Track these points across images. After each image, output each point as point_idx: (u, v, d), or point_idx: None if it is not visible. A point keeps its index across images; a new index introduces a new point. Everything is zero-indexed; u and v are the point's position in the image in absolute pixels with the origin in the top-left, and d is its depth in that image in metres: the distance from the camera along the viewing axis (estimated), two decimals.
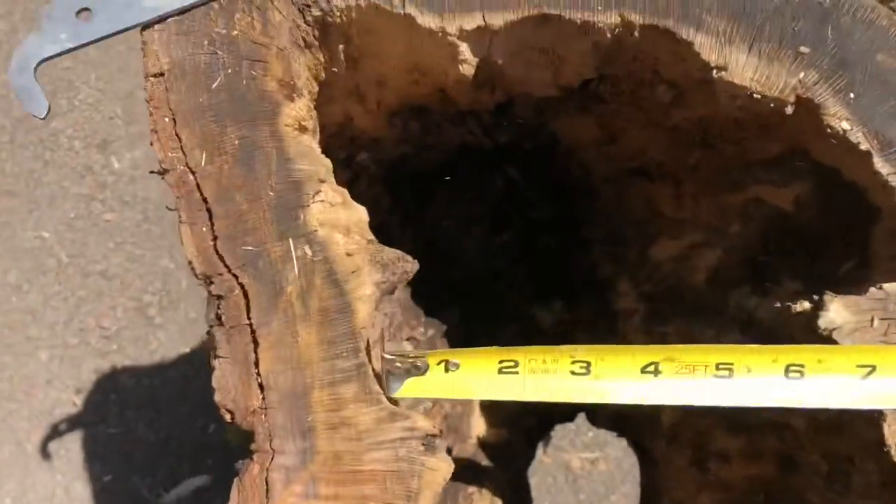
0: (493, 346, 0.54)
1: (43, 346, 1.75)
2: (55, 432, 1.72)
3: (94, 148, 1.83)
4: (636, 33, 0.59)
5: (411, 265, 0.58)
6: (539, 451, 1.80)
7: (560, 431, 1.77)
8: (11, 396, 1.71)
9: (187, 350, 1.73)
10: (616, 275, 1.15)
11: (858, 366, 0.47)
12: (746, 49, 0.57)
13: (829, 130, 0.57)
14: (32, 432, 1.69)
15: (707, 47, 0.57)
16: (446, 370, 0.53)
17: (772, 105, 0.58)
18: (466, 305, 1.23)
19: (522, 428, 1.21)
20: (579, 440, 1.80)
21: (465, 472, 0.86)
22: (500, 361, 0.52)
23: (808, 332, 0.56)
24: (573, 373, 0.51)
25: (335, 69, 0.64)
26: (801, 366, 0.47)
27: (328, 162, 0.58)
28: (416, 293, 1.11)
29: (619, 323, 1.13)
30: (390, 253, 0.58)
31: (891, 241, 0.58)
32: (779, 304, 0.62)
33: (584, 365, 0.51)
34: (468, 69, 0.62)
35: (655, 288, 1.05)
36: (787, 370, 0.48)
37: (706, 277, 0.92)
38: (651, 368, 0.50)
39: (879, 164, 0.56)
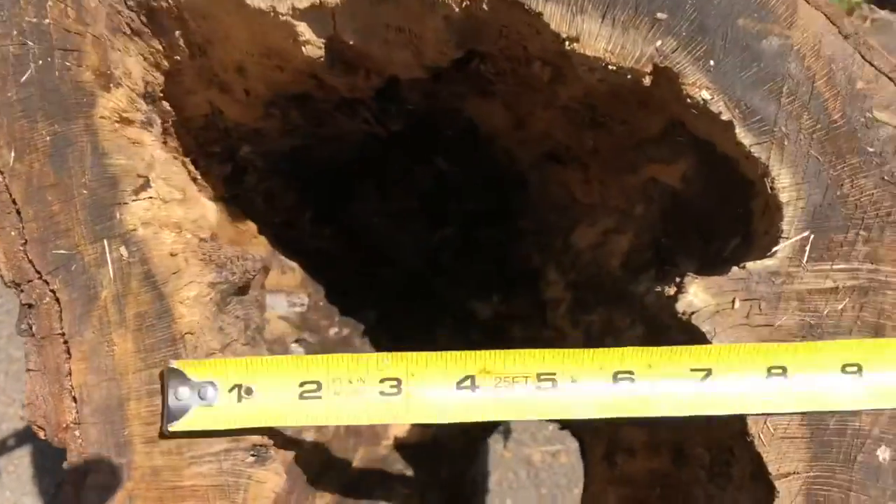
0: (291, 357, 0.48)
1: None
2: (3, 448, 1.68)
3: None
4: (485, 6, 0.55)
5: (252, 263, 0.54)
6: (500, 447, 1.77)
7: (520, 425, 1.74)
8: None
9: None
10: (544, 264, 1.12)
11: (693, 369, 0.43)
12: (599, 18, 0.53)
13: (689, 101, 0.53)
14: None
15: (557, 17, 0.53)
16: (239, 398, 0.47)
17: (629, 77, 0.54)
18: (394, 303, 1.20)
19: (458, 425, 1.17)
20: (541, 434, 1.77)
21: (368, 479, 0.82)
22: (302, 384, 0.47)
23: (674, 314, 0.52)
24: (382, 393, 0.46)
25: (178, 57, 0.60)
26: (630, 372, 0.44)
27: (155, 154, 0.54)
28: (332, 290, 1.07)
29: (549, 313, 1.09)
30: (229, 251, 0.54)
31: (763, 213, 0.55)
32: (658, 289, 0.58)
33: (395, 383, 0.46)
34: (313, 50, 0.58)
35: (579, 276, 1.01)
36: (615, 377, 0.44)
37: (620, 263, 0.88)
38: (467, 383, 0.46)
39: (742, 134, 0.52)
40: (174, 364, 0.47)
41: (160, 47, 0.58)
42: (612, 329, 0.92)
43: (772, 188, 0.51)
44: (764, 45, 0.53)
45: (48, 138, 0.51)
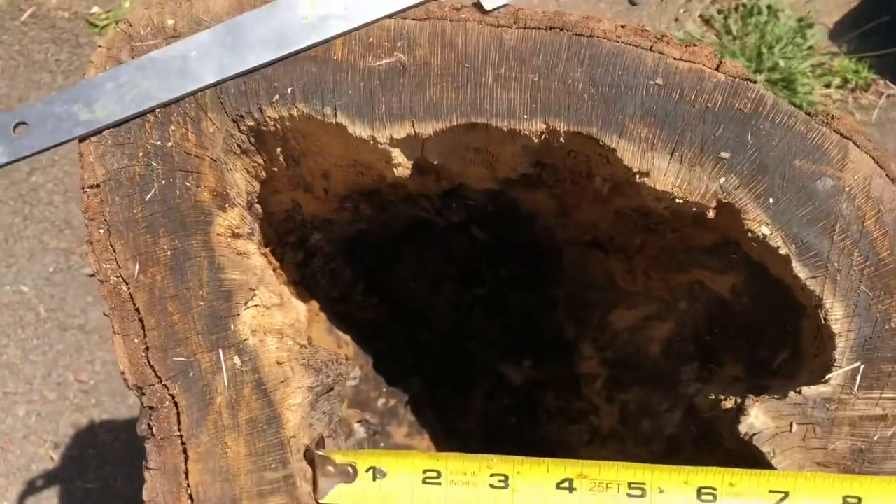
0: (418, 451, 0.55)
1: (20, 402, 1.75)
2: (32, 488, 1.72)
3: (74, 203, 1.85)
4: (562, 139, 0.61)
5: (346, 368, 0.59)
6: None
7: None
8: None
9: None
10: (580, 337, 1.16)
11: (771, 491, 0.48)
12: (668, 155, 0.59)
13: (750, 234, 0.58)
14: (9, 488, 1.69)
15: (630, 153, 0.59)
16: (374, 478, 0.54)
17: (694, 209, 0.59)
18: (433, 368, 1.24)
19: None
20: None
21: None
22: (425, 471, 0.53)
23: (734, 430, 0.57)
24: (492, 486, 0.52)
25: (275, 168, 0.66)
26: (713, 489, 0.48)
27: (263, 265, 0.59)
28: (381, 359, 1.12)
29: (583, 387, 1.13)
30: (324, 355, 0.59)
31: (815, 338, 0.59)
32: (713, 396, 0.63)
33: (503, 479, 0.52)
34: (403, 171, 0.63)
35: (616, 354, 1.06)
36: (699, 493, 0.48)
37: (661, 349, 0.93)
38: (566, 485, 0.51)
39: (798, 268, 0.57)
40: (323, 452, 0.56)
41: (262, 161, 0.64)
42: (648, 410, 0.97)
43: (825, 319, 0.56)
44: (818, 185, 0.58)
45: (169, 252, 0.56)
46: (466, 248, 1.25)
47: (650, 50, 0.61)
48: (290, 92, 0.59)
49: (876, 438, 0.54)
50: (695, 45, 0.61)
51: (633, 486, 0.50)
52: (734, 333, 0.74)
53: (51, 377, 1.76)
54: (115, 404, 1.75)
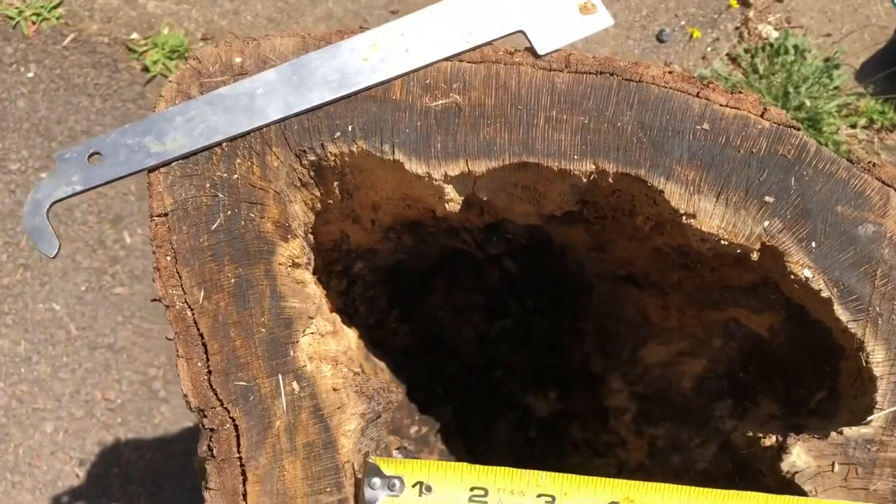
0: (466, 464, 0.56)
1: (49, 418, 1.77)
2: None
3: (107, 223, 1.89)
4: (610, 179, 0.63)
5: (395, 395, 0.61)
6: None
7: None
8: (15, 468, 1.73)
9: (190, 425, 1.75)
10: (608, 371, 1.18)
11: None
12: (714, 198, 0.61)
13: (792, 277, 0.60)
14: None
15: (677, 195, 0.61)
16: (420, 493, 0.55)
17: (738, 251, 0.61)
18: (462, 397, 1.25)
19: None
20: None
21: None
22: (472, 489, 0.54)
23: (774, 468, 0.58)
24: None
25: (330, 200, 0.68)
26: None
27: (320, 294, 0.61)
28: (412, 387, 1.14)
29: (612, 420, 1.15)
30: (375, 383, 0.61)
31: (855, 379, 0.61)
32: (751, 434, 0.64)
33: (549, 499, 0.53)
34: (454, 206, 0.65)
35: (646, 389, 1.07)
36: None
37: (693, 385, 0.94)
38: None
39: (840, 311, 0.58)
40: (372, 459, 0.56)
41: (318, 194, 0.66)
42: (679, 445, 0.98)
43: (866, 362, 0.57)
44: (860, 230, 0.60)
45: (233, 280, 0.58)
46: (496, 279, 1.27)
47: (697, 96, 0.63)
48: (350, 129, 0.62)
49: None
50: (740, 92, 0.64)
51: None
52: (770, 372, 0.75)
53: (79, 395, 1.79)
54: (140, 423, 1.77)
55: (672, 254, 0.78)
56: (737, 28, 2.13)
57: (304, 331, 0.58)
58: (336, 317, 0.64)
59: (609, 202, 0.71)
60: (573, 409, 1.28)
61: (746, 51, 2.08)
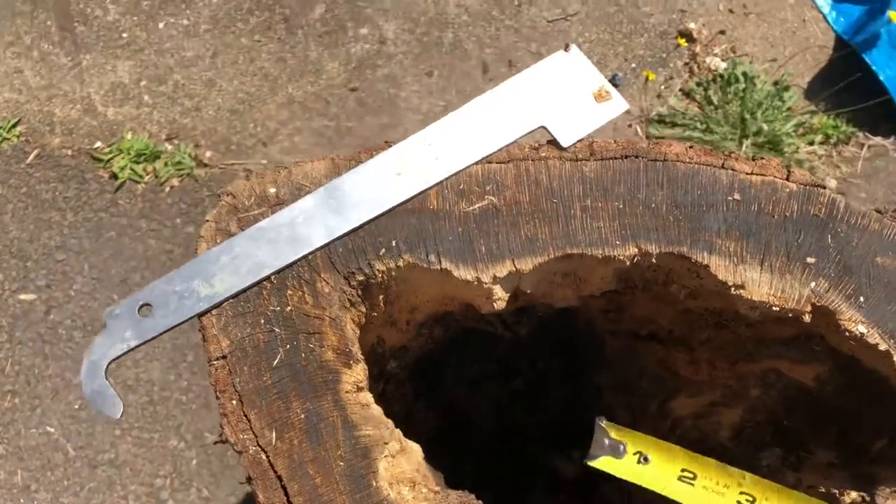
0: (681, 448, 0.64)
1: None
2: None
3: (95, 334, 1.84)
4: (654, 259, 0.64)
5: None
6: None
7: None
8: None
9: None
10: (634, 424, 1.17)
11: None
12: (758, 266, 0.62)
13: (847, 334, 0.61)
14: None
15: (722, 268, 0.62)
16: (638, 461, 0.64)
17: (790, 315, 0.62)
18: (490, 469, 1.24)
19: None
20: None
21: None
22: (682, 470, 0.61)
23: None
24: (739, 502, 0.59)
25: (375, 313, 0.68)
26: None
27: (390, 422, 0.60)
28: (442, 468, 1.12)
29: None
30: (454, 498, 0.60)
31: None
32: (823, 490, 0.65)
33: (750, 499, 0.56)
34: (501, 304, 0.66)
35: (679, 441, 1.07)
36: None
37: (730, 435, 0.95)
38: None
39: None
40: (602, 422, 0.68)
41: (364, 309, 0.66)
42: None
43: None
44: None
45: (303, 416, 0.57)
46: (508, 346, 1.27)
47: (722, 167, 0.65)
48: (394, 245, 0.62)
49: None
50: (762, 159, 0.66)
51: None
52: (820, 420, 0.76)
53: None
54: None
55: (705, 314, 0.79)
56: (686, 63, 2.19)
57: (380, 457, 0.57)
58: (399, 433, 0.63)
59: (644, 276, 0.73)
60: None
61: (699, 84, 2.15)
